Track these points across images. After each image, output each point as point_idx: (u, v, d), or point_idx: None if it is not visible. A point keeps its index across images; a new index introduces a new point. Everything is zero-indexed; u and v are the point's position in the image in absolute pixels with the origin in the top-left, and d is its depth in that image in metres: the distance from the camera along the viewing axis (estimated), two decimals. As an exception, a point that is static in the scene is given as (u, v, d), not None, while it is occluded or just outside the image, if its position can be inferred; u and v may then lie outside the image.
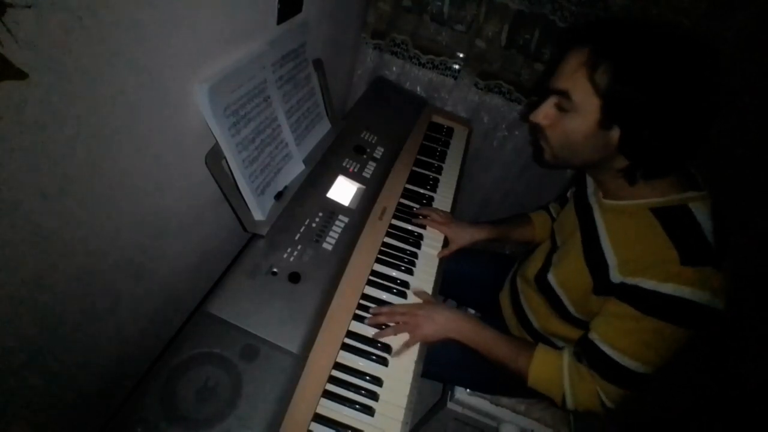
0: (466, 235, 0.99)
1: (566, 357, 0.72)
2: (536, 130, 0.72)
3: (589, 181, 0.81)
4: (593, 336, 0.68)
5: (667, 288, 0.60)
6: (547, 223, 1.02)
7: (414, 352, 0.77)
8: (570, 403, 0.70)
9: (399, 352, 0.76)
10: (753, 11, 1.00)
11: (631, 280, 0.63)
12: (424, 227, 0.99)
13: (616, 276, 0.66)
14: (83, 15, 0.40)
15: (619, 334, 0.65)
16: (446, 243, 0.98)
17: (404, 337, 0.78)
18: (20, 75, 0.37)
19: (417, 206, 1.03)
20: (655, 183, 0.66)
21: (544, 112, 0.68)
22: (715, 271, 0.59)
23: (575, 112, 0.64)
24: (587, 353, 0.69)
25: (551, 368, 0.72)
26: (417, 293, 0.85)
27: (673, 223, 0.63)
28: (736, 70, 1.07)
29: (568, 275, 0.76)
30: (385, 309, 0.80)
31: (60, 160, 0.45)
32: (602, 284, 0.69)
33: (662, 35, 0.60)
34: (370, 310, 0.80)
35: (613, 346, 0.65)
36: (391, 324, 0.78)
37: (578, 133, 0.65)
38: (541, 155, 0.74)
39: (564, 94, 0.64)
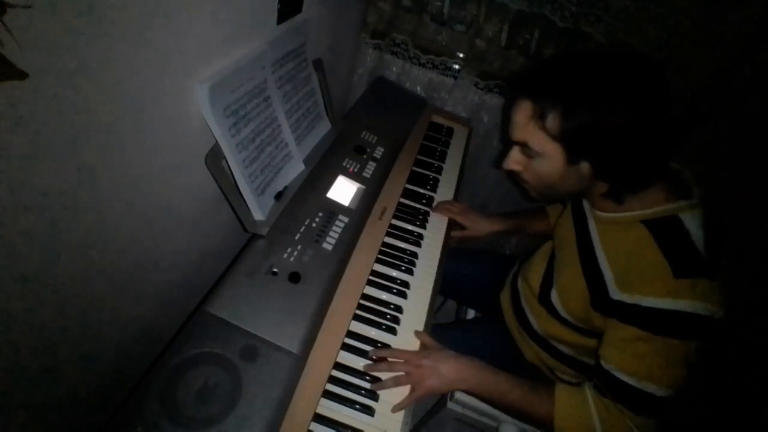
0: (483, 226, 1.01)
1: (589, 394, 0.67)
2: (514, 175, 0.74)
3: None
4: (608, 366, 0.64)
5: (666, 304, 0.59)
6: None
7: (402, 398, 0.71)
8: None
9: (400, 407, 0.68)
10: (753, 11, 1.00)
11: (629, 299, 0.62)
12: (424, 227, 0.99)
13: (614, 291, 0.65)
14: (83, 15, 0.40)
15: (634, 359, 0.62)
16: (447, 243, 0.98)
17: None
18: (20, 75, 0.37)
19: (417, 206, 1.04)
20: (645, 194, 0.66)
21: (514, 160, 0.71)
22: (709, 281, 0.58)
23: (540, 157, 0.66)
24: (607, 386, 0.64)
25: (576, 409, 0.67)
26: (420, 337, 0.78)
27: (665, 235, 0.63)
28: (735, 70, 1.08)
29: (568, 289, 0.76)
30: (386, 354, 0.73)
31: (60, 160, 0.45)
32: (600, 300, 0.67)
33: (590, 64, 0.61)
34: (370, 353, 0.73)
35: (630, 373, 0.62)
36: (392, 374, 0.71)
37: (551, 175, 0.67)
38: (527, 194, 0.77)
39: (524, 145, 0.67)
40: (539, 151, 0.65)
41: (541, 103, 0.62)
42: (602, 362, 0.66)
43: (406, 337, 0.78)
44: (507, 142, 0.72)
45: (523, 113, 0.65)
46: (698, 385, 1.18)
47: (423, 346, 0.78)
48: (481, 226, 1.01)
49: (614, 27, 1.10)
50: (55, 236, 0.49)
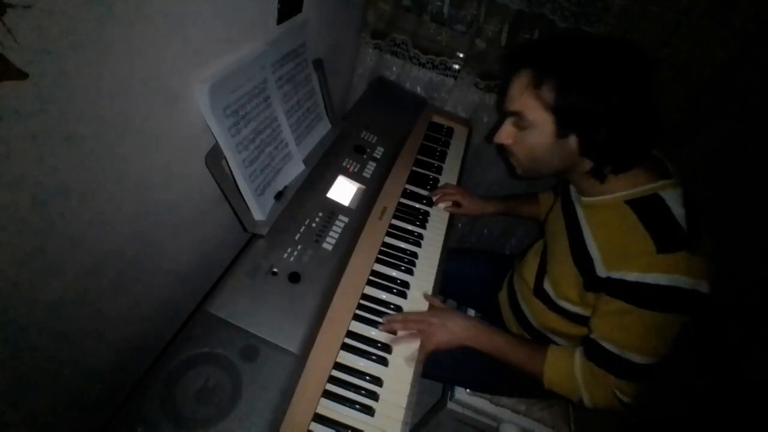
0: (477, 205, 1.07)
1: (578, 356, 0.72)
2: (503, 150, 0.77)
3: None
4: (595, 335, 0.70)
5: (649, 278, 0.62)
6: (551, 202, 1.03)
7: (414, 352, 0.77)
8: (587, 402, 0.70)
9: (412, 359, 0.75)
10: (753, 11, 0.99)
11: (615, 274, 0.66)
12: (424, 227, 0.99)
13: (601, 270, 0.68)
14: (83, 15, 0.40)
15: (617, 330, 0.67)
16: (447, 243, 0.98)
17: (413, 346, 0.77)
18: (20, 75, 0.37)
19: (417, 206, 1.04)
20: (627, 176, 0.68)
21: (506, 133, 0.74)
22: (690, 255, 0.61)
23: (532, 128, 0.68)
24: (593, 352, 0.70)
25: (564, 369, 0.73)
26: (429, 299, 0.85)
27: (647, 213, 0.66)
28: (736, 70, 1.07)
29: (560, 276, 0.78)
30: (398, 316, 0.79)
31: (60, 160, 0.45)
32: (591, 280, 0.71)
33: (593, 45, 0.65)
34: (384, 318, 0.79)
35: (615, 342, 0.67)
36: (405, 332, 0.78)
37: (540, 147, 0.69)
38: (513, 171, 0.79)
39: (518, 115, 0.69)
40: (532, 120, 0.67)
41: (540, 72, 0.65)
42: (591, 331, 0.71)
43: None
44: (501, 116, 0.73)
45: (521, 81, 0.68)
46: (698, 374, 1.18)
47: (432, 307, 0.83)
48: (475, 206, 1.07)
49: (614, 27, 1.10)
50: (53, 236, 0.49)
